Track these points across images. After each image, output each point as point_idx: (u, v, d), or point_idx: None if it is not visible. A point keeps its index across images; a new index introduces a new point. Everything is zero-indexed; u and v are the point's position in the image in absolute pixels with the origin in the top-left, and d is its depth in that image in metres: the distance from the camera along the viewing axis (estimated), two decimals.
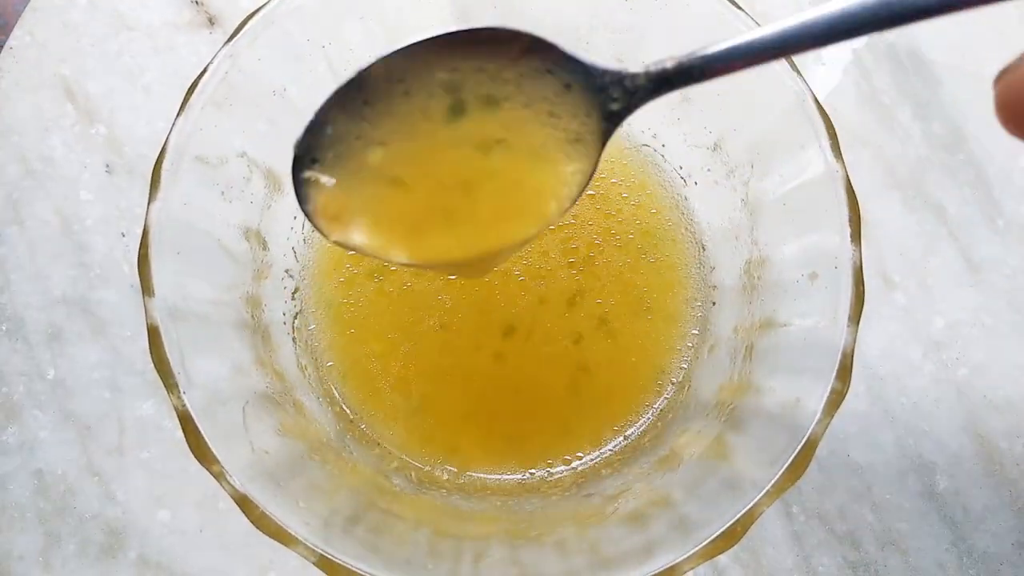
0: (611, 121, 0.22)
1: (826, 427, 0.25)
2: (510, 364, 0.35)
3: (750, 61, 0.21)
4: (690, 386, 0.34)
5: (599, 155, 0.23)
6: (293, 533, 0.24)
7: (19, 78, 0.41)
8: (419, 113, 0.23)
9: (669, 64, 0.21)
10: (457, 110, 0.23)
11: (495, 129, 0.23)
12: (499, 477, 0.34)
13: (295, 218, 0.34)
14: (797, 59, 0.30)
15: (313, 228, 0.23)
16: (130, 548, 0.36)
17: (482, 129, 0.23)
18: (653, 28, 0.32)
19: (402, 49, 0.22)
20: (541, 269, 0.35)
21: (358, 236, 0.23)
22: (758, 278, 0.31)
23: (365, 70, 0.22)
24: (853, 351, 0.26)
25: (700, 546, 0.24)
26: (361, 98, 0.22)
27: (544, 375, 0.35)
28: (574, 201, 0.23)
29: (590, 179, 0.23)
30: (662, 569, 0.24)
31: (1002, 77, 0.18)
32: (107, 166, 0.40)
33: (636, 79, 0.22)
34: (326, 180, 0.23)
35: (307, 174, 0.23)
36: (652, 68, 0.21)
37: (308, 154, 0.23)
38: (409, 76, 0.22)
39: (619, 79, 0.22)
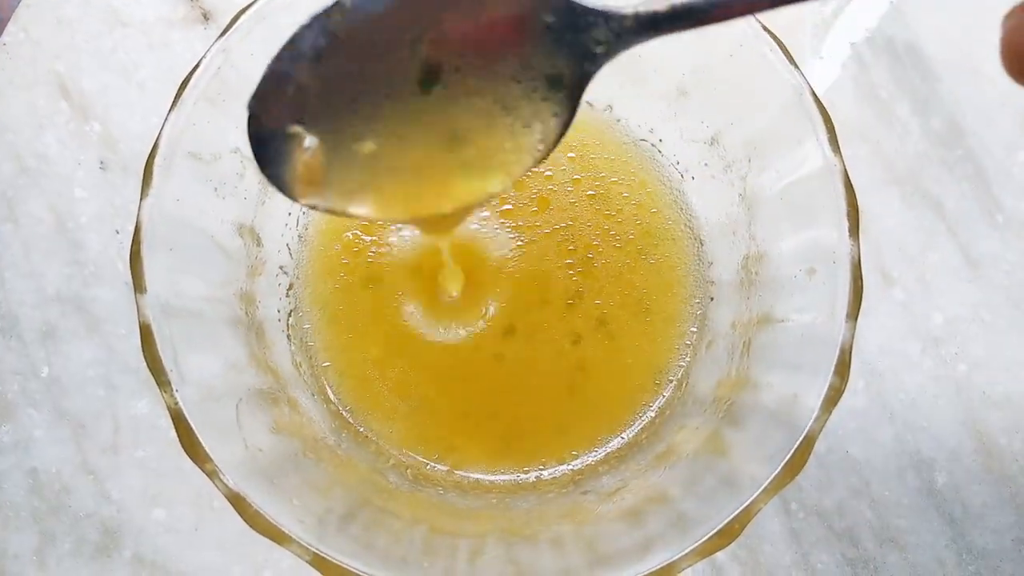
0: (593, 63, 0.21)
1: (824, 423, 0.25)
2: (508, 364, 0.34)
3: (747, 7, 0.20)
4: (688, 382, 0.34)
5: (578, 100, 0.21)
6: (287, 531, 0.24)
7: (13, 75, 0.41)
8: (387, 62, 0.21)
9: (660, 6, 0.20)
10: (428, 56, 0.21)
11: (469, 72, 0.21)
12: (496, 477, 0.33)
13: (289, 214, 0.34)
14: (795, 53, 0.30)
15: (279, 193, 0.22)
16: (125, 547, 0.35)
17: (456, 74, 0.21)
18: None
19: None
20: (539, 268, 0.35)
21: (326, 197, 0.22)
22: (756, 273, 0.31)
23: (323, 18, 0.20)
24: (851, 347, 0.26)
25: (697, 543, 0.24)
26: (321, 49, 0.20)
27: (543, 375, 0.34)
28: (549, 150, 0.22)
29: (567, 126, 0.22)
30: (659, 566, 0.24)
31: (1009, 18, 0.17)
32: (101, 163, 0.40)
33: (624, 20, 0.20)
34: (299, 140, 0.21)
35: (275, 131, 0.21)
36: (642, 10, 0.20)
37: (272, 112, 0.21)
38: (375, 23, 0.20)
39: (605, 19, 0.20)
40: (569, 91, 0.21)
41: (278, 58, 0.21)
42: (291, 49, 0.21)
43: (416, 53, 0.21)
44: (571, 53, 0.21)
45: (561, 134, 0.22)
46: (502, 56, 0.21)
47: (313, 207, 0.22)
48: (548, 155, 0.22)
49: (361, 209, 0.22)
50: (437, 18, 0.21)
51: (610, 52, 0.21)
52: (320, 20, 0.20)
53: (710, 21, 0.20)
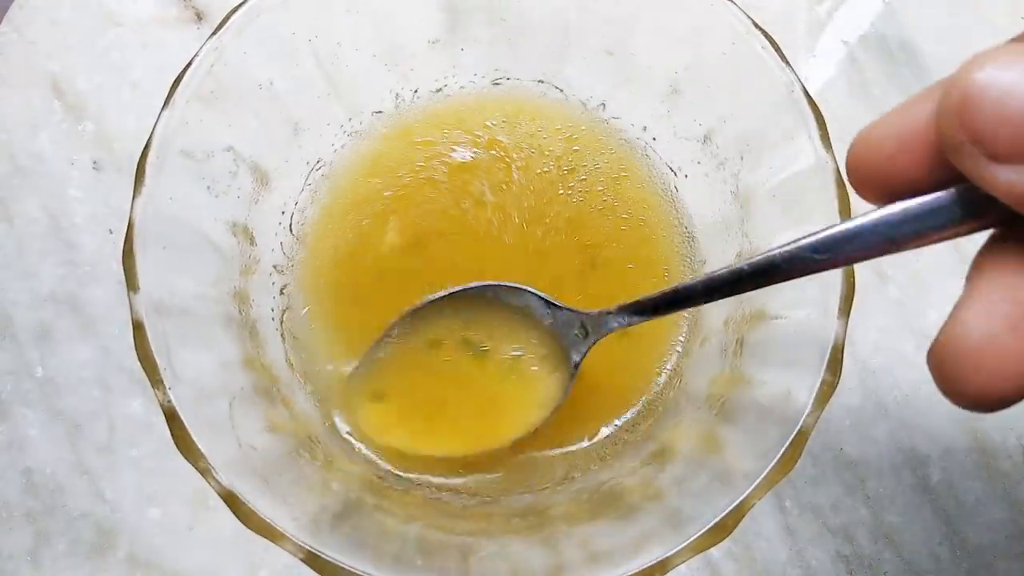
0: (583, 346, 0.30)
1: (817, 419, 0.25)
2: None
3: (704, 300, 0.24)
4: (681, 380, 0.34)
5: (577, 369, 0.30)
6: (281, 529, 0.24)
7: (6, 75, 0.41)
8: (431, 352, 0.31)
9: (613, 308, 0.28)
10: (462, 347, 0.31)
11: (493, 356, 0.31)
12: (492, 475, 0.33)
13: (283, 213, 0.34)
14: (789, 52, 0.30)
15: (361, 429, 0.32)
16: (120, 547, 0.35)
17: (484, 357, 0.31)
18: (642, 18, 0.32)
19: (420, 307, 0.31)
20: (531, 266, 0.35)
21: (392, 441, 0.32)
22: None
23: (392, 327, 0.31)
24: (844, 343, 0.26)
25: (691, 539, 0.24)
26: (387, 345, 0.31)
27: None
28: (555, 409, 0.31)
29: (567, 392, 0.30)
30: (653, 563, 0.24)
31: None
32: (95, 163, 0.40)
33: (598, 317, 0.29)
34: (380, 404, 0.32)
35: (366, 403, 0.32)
36: (602, 310, 0.28)
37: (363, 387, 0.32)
38: (424, 326, 0.31)
39: (586, 316, 0.29)
40: (568, 365, 0.30)
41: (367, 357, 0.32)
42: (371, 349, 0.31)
43: (457, 344, 0.31)
44: (564, 342, 0.30)
45: (566, 393, 0.31)
46: (522, 342, 0.31)
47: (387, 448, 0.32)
48: (558, 407, 0.31)
49: (422, 449, 0.32)
50: (478, 320, 0.31)
51: (593, 337, 0.29)
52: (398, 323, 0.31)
53: (661, 314, 0.26)
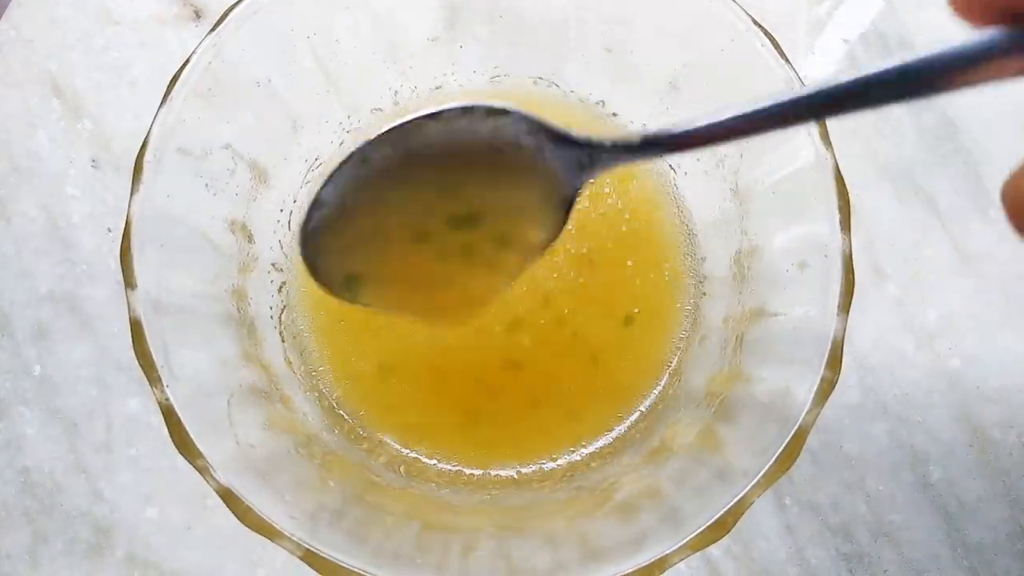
0: (579, 180, 0.25)
1: (816, 416, 0.25)
2: (501, 360, 0.34)
3: (709, 140, 0.22)
4: (680, 377, 0.34)
5: (569, 210, 0.25)
6: (278, 527, 0.24)
7: (4, 74, 0.40)
8: (407, 186, 0.25)
9: (634, 138, 0.23)
10: (442, 180, 0.25)
11: (475, 190, 0.25)
12: (489, 472, 0.33)
13: (281, 211, 0.34)
14: (789, 50, 0.30)
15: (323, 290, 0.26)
16: (118, 546, 0.35)
17: (465, 193, 0.25)
18: (642, 19, 0.32)
19: (388, 131, 0.24)
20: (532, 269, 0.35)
21: (362, 296, 0.27)
22: (748, 268, 0.31)
23: (357, 152, 0.24)
24: (843, 340, 0.26)
25: (690, 537, 0.24)
26: (355, 176, 0.24)
27: (538, 370, 0.34)
28: (547, 246, 0.26)
29: (562, 227, 0.26)
30: (652, 561, 0.24)
31: (1007, 188, 0.17)
32: (93, 161, 0.39)
33: (604, 146, 0.24)
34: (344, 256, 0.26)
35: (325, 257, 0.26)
36: (619, 140, 0.23)
37: (319, 232, 0.25)
38: (397, 155, 0.25)
39: (589, 145, 0.24)
40: (563, 200, 0.25)
41: (324, 186, 0.24)
42: (331, 178, 0.24)
43: (435, 179, 0.25)
44: (563, 169, 0.24)
45: (557, 234, 0.26)
46: (511, 174, 0.25)
47: (356, 303, 0.27)
48: (546, 250, 0.26)
49: (399, 309, 0.27)
50: (454, 145, 0.25)
51: (593, 170, 0.24)
52: (354, 156, 0.24)
53: (674, 151, 0.23)
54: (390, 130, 0.24)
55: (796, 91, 0.20)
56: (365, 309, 0.27)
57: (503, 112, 0.24)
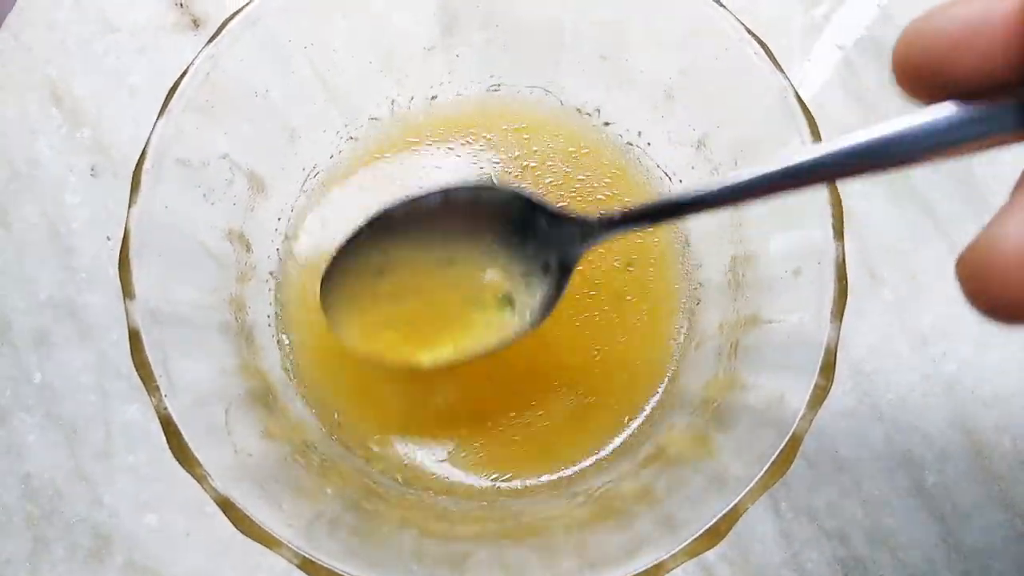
0: (571, 256, 0.27)
1: (810, 423, 0.25)
2: (496, 368, 0.35)
3: (693, 210, 0.23)
4: (675, 384, 0.34)
5: (565, 281, 0.27)
6: (276, 536, 0.24)
7: (4, 81, 0.41)
8: (415, 251, 0.28)
9: (616, 214, 0.25)
10: (447, 247, 0.28)
11: (477, 260, 0.28)
12: (488, 480, 0.33)
13: (279, 220, 0.34)
14: (781, 56, 0.30)
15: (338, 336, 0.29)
16: (117, 552, 0.35)
17: (468, 261, 0.28)
18: (636, 24, 0.32)
19: (399, 205, 0.27)
20: None
21: (373, 345, 0.29)
22: (743, 275, 0.31)
23: (371, 220, 0.27)
24: (836, 347, 0.26)
25: (685, 543, 0.24)
26: (367, 240, 0.28)
27: (534, 378, 0.34)
28: (542, 319, 0.28)
29: (557, 299, 0.28)
30: (647, 567, 0.24)
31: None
32: (93, 169, 0.40)
33: (591, 223, 0.26)
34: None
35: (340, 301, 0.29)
36: (603, 215, 0.26)
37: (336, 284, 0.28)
38: (407, 223, 0.28)
39: (578, 223, 0.26)
40: (556, 274, 0.28)
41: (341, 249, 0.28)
42: (347, 242, 0.28)
43: (441, 246, 0.28)
44: (556, 247, 0.27)
45: (552, 305, 0.28)
46: (507, 248, 0.28)
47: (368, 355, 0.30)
48: (541, 322, 0.28)
49: (404, 359, 0.30)
50: (457, 222, 0.28)
51: (584, 246, 0.26)
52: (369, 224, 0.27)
53: (657, 222, 0.24)
54: (402, 203, 0.27)
55: (759, 169, 0.20)
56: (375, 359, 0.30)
57: (505, 191, 0.27)
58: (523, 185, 0.28)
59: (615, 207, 0.25)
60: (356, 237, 0.27)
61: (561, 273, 0.27)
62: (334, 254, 0.28)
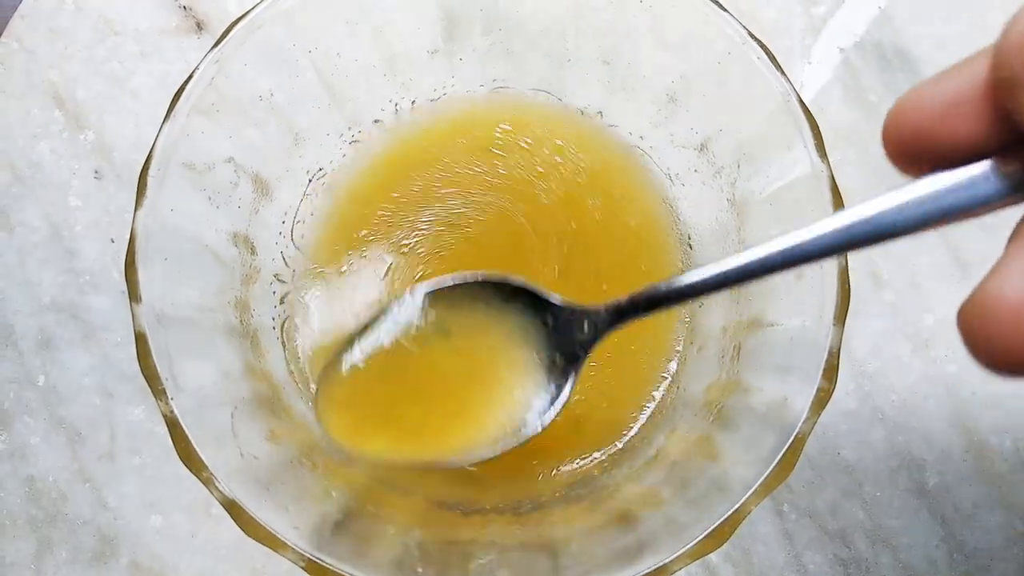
0: (582, 349, 0.26)
1: (813, 425, 0.26)
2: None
3: (694, 295, 0.23)
4: (678, 387, 0.34)
5: (575, 377, 0.27)
6: (282, 538, 0.24)
7: (7, 84, 0.41)
8: (418, 346, 0.28)
9: (622, 301, 0.25)
10: (451, 344, 0.27)
11: (482, 357, 0.27)
12: (492, 481, 0.34)
13: (283, 223, 0.34)
14: (782, 58, 0.30)
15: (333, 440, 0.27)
16: (122, 554, 0.36)
17: (472, 358, 0.28)
18: (639, 29, 0.32)
19: (407, 297, 0.27)
20: (529, 275, 0.35)
21: (371, 448, 0.28)
22: None
23: (377, 317, 0.27)
24: (839, 350, 0.26)
25: (688, 546, 0.25)
26: (369, 336, 0.27)
27: None
28: (550, 419, 0.27)
29: (569, 394, 0.27)
30: (651, 569, 0.24)
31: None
32: (96, 172, 0.40)
33: (599, 314, 0.25)
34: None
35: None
36: (610, 305, 0.25)
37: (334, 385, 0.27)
38: (413, 318, 0.27)
39: (585, 315, 0.26)
40: (564, 370, 0.27)
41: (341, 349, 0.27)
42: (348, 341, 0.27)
43: (444, 340, 0.28)
44: (564, 343, 0.26)
45: (565, 401, 0.27)
46: (514, 346, 0.27)
47: (368, 457, 0.28)
48: (555, 417, 0.27)
49: (403, 458, 0.28)
50: (461, 321, 0.27)
51: (594, 339, 0.26)
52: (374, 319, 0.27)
53: (665, 306, 0.24)
54: (399, 303, 0.27)
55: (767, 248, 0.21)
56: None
57: (514, 286, 0.27)
58: (524, 278, 0.27)
59: (620, 298, 0.25)
60: (354, 340, 0.27)
61: (569, 367, 0.27)
62: (334, 354, 0.27)
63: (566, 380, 0.27)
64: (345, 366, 0.27)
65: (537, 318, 0.27)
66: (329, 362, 0.27)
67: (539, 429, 0.27)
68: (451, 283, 0.27)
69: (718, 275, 0.22)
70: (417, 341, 0.27)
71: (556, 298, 0.26)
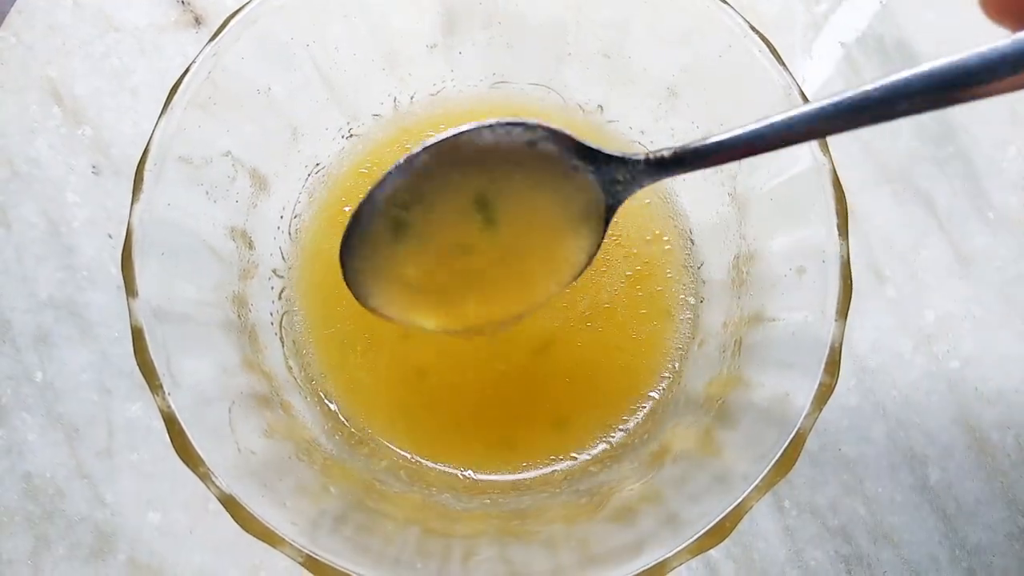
0: (615, 199, 0.25)
1: (815, 421, 0.25)
2: (502, 365, 0.35)
3: (737, 154, 0.22)
4: (680, 382, 0.34)
5: (604, 230, 0.26)
6: (280, 533, 0.24)
7: (5, 80, 0.41)
8: (445, 203, 0.26)
9: (666, 152, 0.23)
10: (479, 198, 0.26)
11: (512, 210, 0.26)
12: (490, 476, 0.33)
13: (281, 217, 0.34)
14: (786, 53, 0.30)
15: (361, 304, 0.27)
16: (120, 550, 0.35)
17: (502, 211, 0.26)
18: (638, 23, 0.32)
19: (427, 147, 0.25)
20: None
21: (398, 309, 0.27)
22: (747, 273, 0.31)
23: (393, 169, 0.25)
24: (841, 345, 0.26)
25: (689, 542, 0.24)
26: (391, 192, 0.25)
27: (539, 375, 0.34)
28: (582, 270, 0.26)
29: (598, 249, 0.26)
30: (651, 565, 0.24)
31: None
32: (93, 167, 0.40)
33: (638, 164, 0.24)
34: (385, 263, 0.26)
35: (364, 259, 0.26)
36: (652, 155, 0.24)
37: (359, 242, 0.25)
38: (433, 170, 0.25)
39: (623, 163, 0.24)
40: (597, 220, 0.26)
41: (362, 205, 0.25)
42: (368, 198, 0.25)
43: (473, 196, 0.26)
44: (598, 190, 0.25)
45: (593, 254, 0.26)
46: (546, 193, 0.26)
47: (388, 318, 0.27)
48: (583, 271, 0.27)
49: (431, 322, 0.27)
50: (491, 166, 0.25)
51: (628, 189, 0.25)
52: (397, 170, 0.25)
53: (709, 164, 0.23)
54: (430, 145, 0.25)
55: (834, 97, 0.20)
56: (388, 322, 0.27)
57: (540, 128, 0.24)
58: (549, 123, 0.25)
59: (662, 149, 0.23)
60: (378, 190, 0.25)
61: (601, 218, 0.25)
62: (356, 211, 0.25)
63: (596, 232, 0.26)
64: (367, 228, 0.25)
65: (570, 165, 0.25)
66: (350, 223, 0.25)
67: (575, 277, 0.26)
68: (472, 128, 0.25)
69: (771, 125, 0.21)
70: (439, 195, 0.26)
71: (587, 141, 0.24)
